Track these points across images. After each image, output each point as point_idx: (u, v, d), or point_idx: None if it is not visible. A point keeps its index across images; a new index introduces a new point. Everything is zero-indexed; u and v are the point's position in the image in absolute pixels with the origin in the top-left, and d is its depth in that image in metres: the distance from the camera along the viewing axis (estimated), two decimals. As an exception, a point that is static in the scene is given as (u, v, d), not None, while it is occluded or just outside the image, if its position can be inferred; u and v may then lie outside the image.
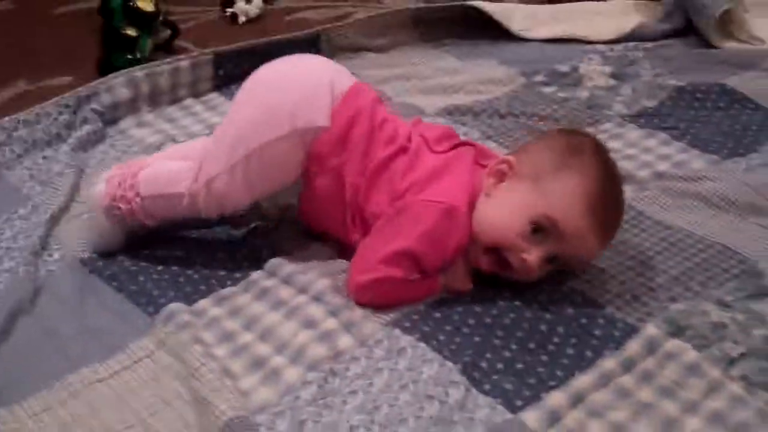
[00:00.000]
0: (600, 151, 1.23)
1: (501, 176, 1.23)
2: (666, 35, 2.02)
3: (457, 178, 1.24)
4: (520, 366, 1.12)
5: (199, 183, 1.27)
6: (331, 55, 1.94)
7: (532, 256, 1.19)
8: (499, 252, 1.21)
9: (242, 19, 2.26)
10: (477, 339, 1.16)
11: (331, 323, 1.18)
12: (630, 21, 2.06)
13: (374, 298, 1.22)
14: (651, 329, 1.16)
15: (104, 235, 1.33)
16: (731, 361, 1.11)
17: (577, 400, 1.06)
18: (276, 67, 1.35)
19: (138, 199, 1.29)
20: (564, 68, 1.88)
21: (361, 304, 1.22)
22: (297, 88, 1.28)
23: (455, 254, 1.23)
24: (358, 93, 1.29)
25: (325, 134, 1.25)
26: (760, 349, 1.12)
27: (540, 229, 1.18)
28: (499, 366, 1.12)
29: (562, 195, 1.17)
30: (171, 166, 1.32)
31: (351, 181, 1.26)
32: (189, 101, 1.79)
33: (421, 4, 2.14)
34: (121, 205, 1.30)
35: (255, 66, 1.85)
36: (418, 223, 1.21)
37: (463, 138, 1.35)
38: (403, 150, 1.27)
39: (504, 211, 1.20)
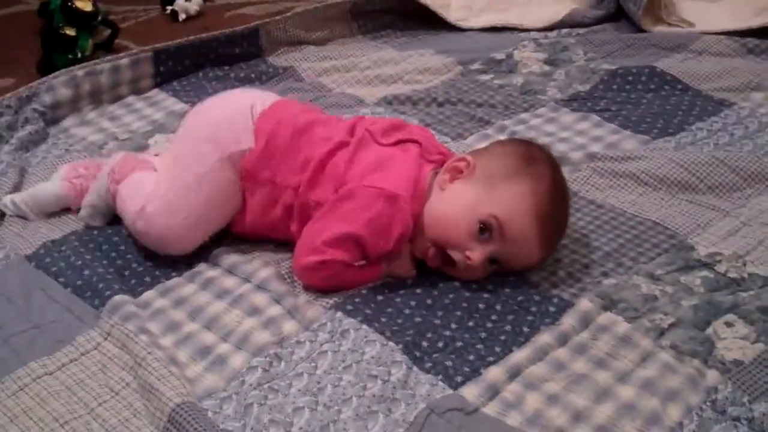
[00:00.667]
0: (553, 166, 1.28)
1: (457, 173, 1.26)
2: (598, 21, 2.08)
3: (402, 169, 1.28)
4: (459, 344, 1.16)
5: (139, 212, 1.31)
6: (270, 48, 1.98)
7: (476, 254, 1.22)
8: (444, 249, 1.25)
9: (182, 16, 2.27)
10: (418, 319, 1.20)
11: (275, 310, 1.21)
12: (563, 8, 2.11)
13: (318, 280, 1.25)
14: (585, 303, 1.21)
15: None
16: (661, 332, 1.15)
17: (515, 373, 1.10)
18: (205, 103, 1.40)
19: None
20: (499, 56, 1.92)
21: (306, 286, 1.25)
22: (218, 118, 1.33)
23: (398, 242, 1.26)
24: (280, 107, 1.34)
25: (250, 152, 1.29)
26: (689, 319, 1.17)
27: (487, 228, 1.21)
28: (440, 344, 1.15)
29: (513, 199, 1.21)
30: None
31: (288, 184, 1.29)
32: (130, 99, 1.80)
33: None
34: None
35: (195, 61, 1.89)
36: (362, 209, 1.24)
37: (410, 135, 1.37)
38: (343, 144, 1.30)
39: (456, 207, 1.23)
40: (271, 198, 1.30)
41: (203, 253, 1.33)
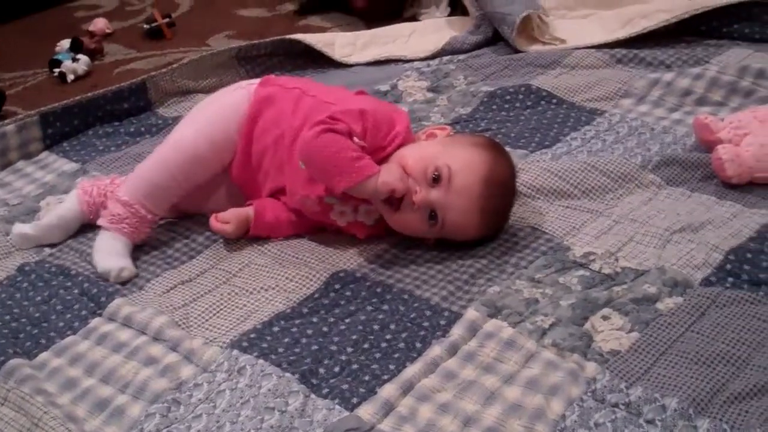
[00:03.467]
0: (511, 164, 1.42)
1: (432, 137, 1.44)
2: (477, 46, 2.15)
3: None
4: (355, 366, 1.19)
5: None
6: (160, 100, 2.00)
7: (420, 195, 1.33)
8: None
9: (71, 77, 2.28)
10: (315, 347, 1.23)
11: (171, 357, 1.23)
12: (443, 37, 2.18)
13: (316, 148, 1.33)
14: (472, 313, 1.25)
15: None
16: (543, 332, 1.21)
17: (408, 388, 1.14)
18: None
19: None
20: (385, 87, 1.98)
21: (303, 157, 1.36)
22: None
23: (397, 142, 1.39)
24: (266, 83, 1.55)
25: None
26: (568, 317, 1.22)
27: (439, 177, 1.33)
28: (336, 369, 1.19)
29: (470, 159, 1.35)
30: None
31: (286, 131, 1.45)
32: (20, 164, 1.81)
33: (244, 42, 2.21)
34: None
35: (84, 120, 1.91)
36: (369, 101, 1.47)
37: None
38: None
39: (421, 153, 1.37)
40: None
41: (97, 307, 1.35)
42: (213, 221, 1.48)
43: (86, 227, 1.55)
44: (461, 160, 1.34)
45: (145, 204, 1.46)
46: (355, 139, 1.34)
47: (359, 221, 1.43)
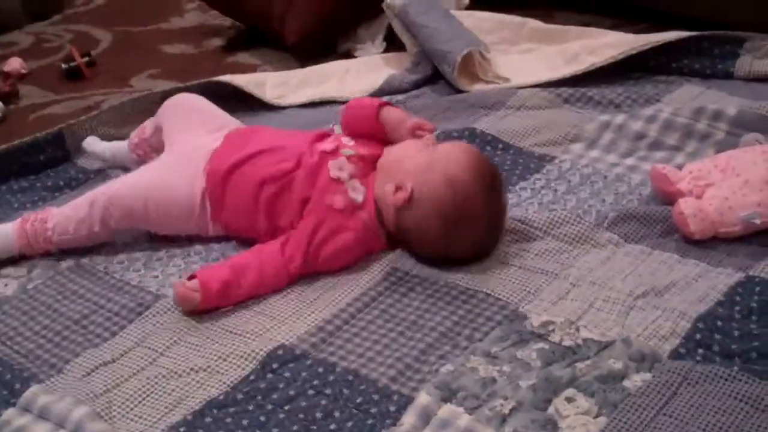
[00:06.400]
0: (502, 199, 1.45)
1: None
2: (417, 85, 2.06)
3: None
4: (297, 463, 1.08)
5: None
6: (79, 151, 1.85)
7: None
8: None
9: (-18, 125, 2.13)
10: (253, 443, 1.11)
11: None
12: (380, 76, 2.09)
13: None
14: (424, 397, 1.14)
15: None
16: (503, 419, 1.10)
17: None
18: None
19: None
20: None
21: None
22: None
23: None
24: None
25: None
26: (529, 400, 1.12)
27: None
28: (276, 466, 1.07)
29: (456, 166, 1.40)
30: None
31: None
32: (-77, 227, 1.64)
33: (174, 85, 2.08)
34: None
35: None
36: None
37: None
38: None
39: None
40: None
41: (11, 395, 1.22)
42: (180, 287, 1.36)
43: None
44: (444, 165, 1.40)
45: None
46: None
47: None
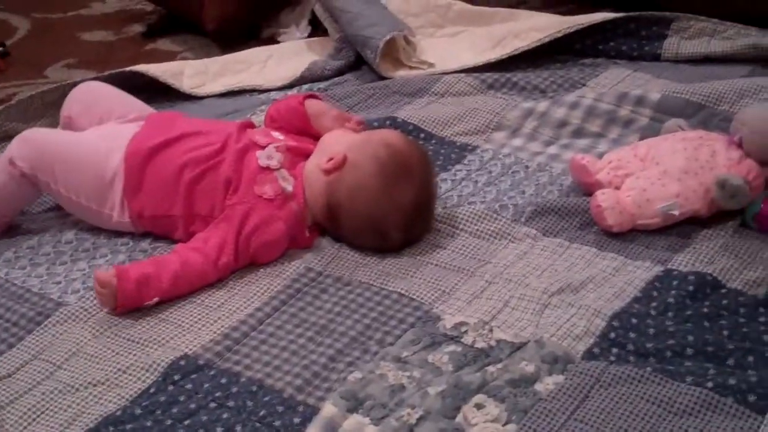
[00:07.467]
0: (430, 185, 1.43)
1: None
2: (340, 71, 1.99)
3: None
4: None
5: None
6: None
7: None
8: None
9: None
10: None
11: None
12: (302, 63, 2.01)
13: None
14: (329, 408, 1.09)
15: None
16: (410, 429, 1.05)
17: None
18: None
19: None
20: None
21: None
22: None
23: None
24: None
25: None
26: (437, 408, 1.07)
27: None
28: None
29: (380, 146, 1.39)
30: None
31: None
32: None
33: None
34: None
35: None
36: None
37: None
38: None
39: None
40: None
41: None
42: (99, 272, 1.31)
43: None
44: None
45: None
46: None
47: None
